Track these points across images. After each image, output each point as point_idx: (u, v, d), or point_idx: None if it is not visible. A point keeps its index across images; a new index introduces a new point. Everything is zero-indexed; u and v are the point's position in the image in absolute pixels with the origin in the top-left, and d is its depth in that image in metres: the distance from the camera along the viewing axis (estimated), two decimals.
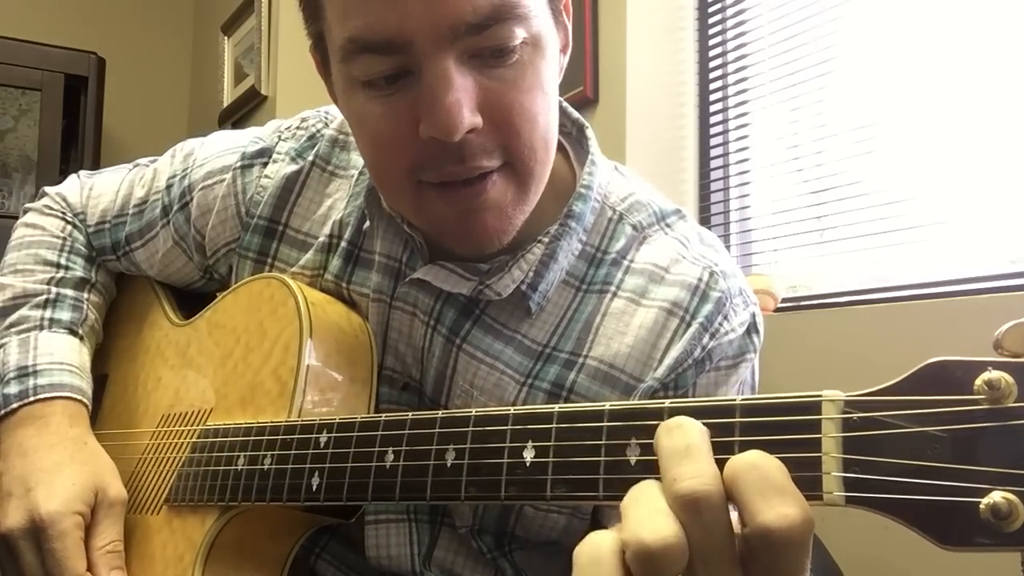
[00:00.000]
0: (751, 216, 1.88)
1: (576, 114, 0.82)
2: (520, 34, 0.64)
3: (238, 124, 2.94)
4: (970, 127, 1.44)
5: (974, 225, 1.44)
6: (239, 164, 0.86)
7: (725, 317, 0.74)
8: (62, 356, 0.86)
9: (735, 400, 0.45)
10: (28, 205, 1.01)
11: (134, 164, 0.99)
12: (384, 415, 0.61)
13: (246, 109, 2.89)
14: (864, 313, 1.46)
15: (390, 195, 0.73)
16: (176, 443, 0.79)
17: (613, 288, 0.75)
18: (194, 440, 0.76)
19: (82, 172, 1.03)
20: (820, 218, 1.71)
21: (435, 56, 0.63)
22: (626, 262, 0.76)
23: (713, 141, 1.95)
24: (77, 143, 2.88)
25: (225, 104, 3.01)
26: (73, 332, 0.90)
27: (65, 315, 0.90)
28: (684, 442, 0.43)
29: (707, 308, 0.73)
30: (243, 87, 2.88)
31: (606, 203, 0.78)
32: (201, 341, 0.84)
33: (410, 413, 0.59)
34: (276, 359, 0.74)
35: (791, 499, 0.40)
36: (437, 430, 0.57)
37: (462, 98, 0.63)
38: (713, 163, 1.94)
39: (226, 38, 3.05)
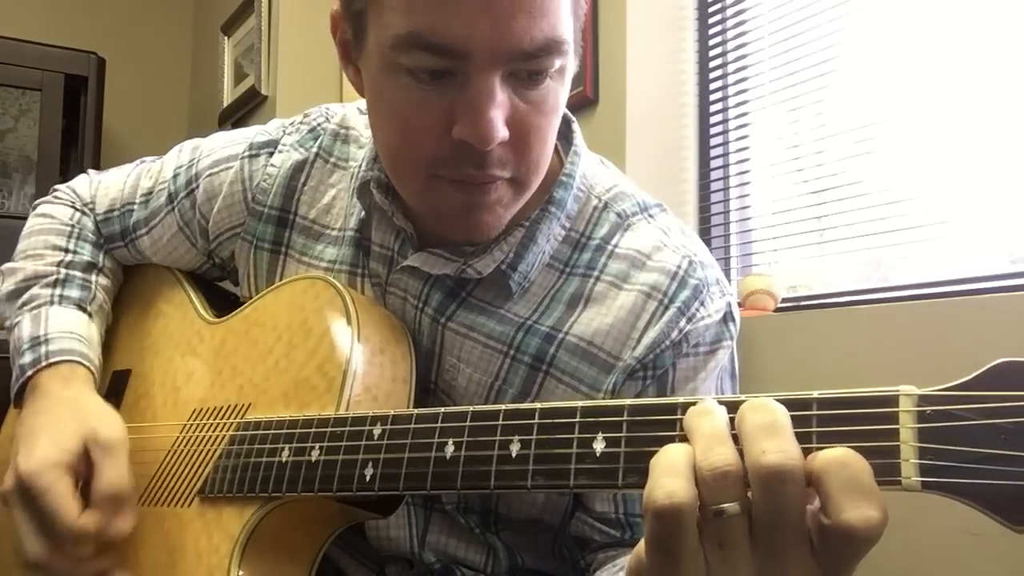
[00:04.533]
0: (751, 216, 1.88)
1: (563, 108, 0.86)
2: (556, 64, 0.70)
3: (238, 124, 2.94)
4: (970, 127, 1.44)
5: (974, 225, 1.44)
6: (246, 153, 0.91)
7: (701, 303, 0.78)
8: (70, 327, 0.90)
9: (812, 394, 0.48)
10: (39, 200, 1.06)
11: (140, 161, 1.04)
12: (443, 408, 0.63)
13: (246, 109, 2.88)
14: (864, 313, 1.46)
15: (401, 178, 0.76)
16: (210, 436, 0.79)
17: (596, 272, 0.80)
18: (232, 433, 0.76)
19: (91, 170, 1.08)
20: (820, 218, 1.71)
21: (487, 71, 0.67)
22: (609, 247, 0.80)
23: (713, 141, 1.94)
24: (77, 143, 2.87)
25: (225, 104, 3.01)
26: (82, 308, 0.94)
27: (74, 293, 0.95)
28: (770, 419, 0.46)
29: (684, 294, 0.77)
30: (243, 87, 2.88)
31: (591, 192, 0.83)
32: (238, 338, 0.84)
33: (471, 407, 0.62)
34: (322, 356, 0.75)
35: (876, 502, 0.43)
36: (501, 422, 0.59)
37: (500, 114, 0.68)
38: (713, 163, 1.94)
39: (226, 38, 3.05)
